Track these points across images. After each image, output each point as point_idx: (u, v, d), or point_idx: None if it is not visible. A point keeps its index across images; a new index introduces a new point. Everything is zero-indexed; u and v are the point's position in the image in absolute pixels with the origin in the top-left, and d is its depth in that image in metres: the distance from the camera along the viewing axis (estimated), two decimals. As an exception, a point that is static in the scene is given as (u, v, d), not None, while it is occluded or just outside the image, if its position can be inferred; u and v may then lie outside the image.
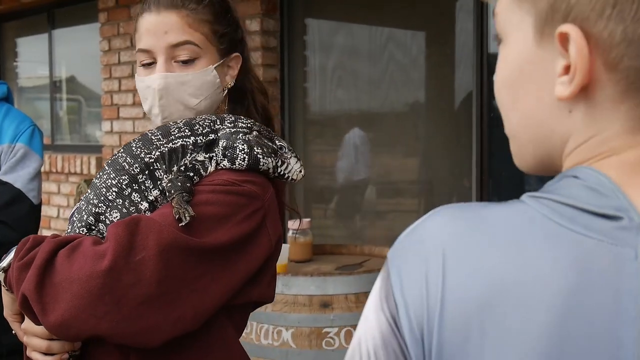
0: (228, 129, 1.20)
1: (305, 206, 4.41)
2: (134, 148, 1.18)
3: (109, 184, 1.16)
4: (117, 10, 5.02)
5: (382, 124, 4.36)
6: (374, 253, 3.15)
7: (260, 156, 1.19)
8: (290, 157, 1.24)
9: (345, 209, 4.55)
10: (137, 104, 4.92)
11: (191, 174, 1.17)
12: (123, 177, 1.16)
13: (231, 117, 1.23)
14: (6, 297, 1.18)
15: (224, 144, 1.19)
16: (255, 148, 1.19)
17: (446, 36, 4.06)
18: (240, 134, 1.20)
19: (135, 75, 1.32)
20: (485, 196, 3.68)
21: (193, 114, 1.27)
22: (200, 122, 1.21)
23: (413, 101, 4.30)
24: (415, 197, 4.33)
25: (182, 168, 1.17)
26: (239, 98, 1.37)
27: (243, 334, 1.32)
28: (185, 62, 1.26)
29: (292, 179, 1.25)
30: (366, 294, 2.60)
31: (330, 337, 2.56)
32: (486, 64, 3.64)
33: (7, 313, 1.19)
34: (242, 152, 1.19)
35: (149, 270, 1.03)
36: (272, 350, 2.62)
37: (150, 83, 1.27)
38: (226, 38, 1.31)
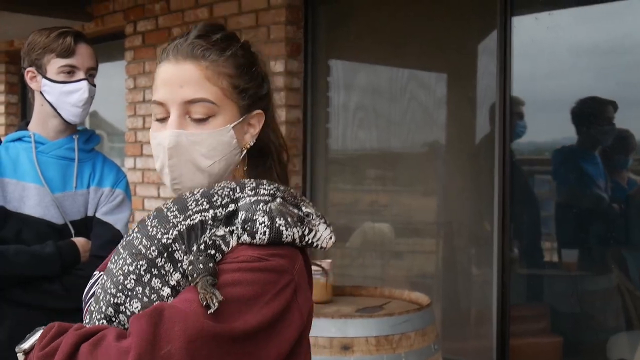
0: (248, 198, 1.10)
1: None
2: (149, 227, 1.09)
3: (125, 270, 1.07)
4: (144, 49, 5.10)
5: (403, 164, 4.37)
6: (394, 295, 3.13)
7: (283, 228, 1.09)
8: (319, 224, 1.13)
9: (365, 249, 4.54)
10: (160, 141, 4.96)
11: (213, 252, 1.07)
12: (141, 262, 1.07)
13: (252, 184, 1.13)
14: None
15: (243, 216, 1.09)
16: (277, 219, 1.09)
17: (469, 78, 4.08)
18: (261, 204, 1.10)
19: (150, 130, 1.22)
20: (506, 240, 3.66)
21: (206, 176, 1.18)
22: (219, 192, 1.11)
23: (435, 142, 4.30)
24: (435, 239, 4.31)
25: (202, 247, 1.07)
26: (260, 157, 1.27)
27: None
28: (199, 121, 1.16)
29: (321, 247, 1.14)
30: (387, 337, 2.58)
31: (350, 381, 2.53)
32: (509, 106, 3.64)
33: None
34: (262, 225, 1.08)
35: None
36: (291, 392, 2.59)
37: (161, 140, 1.17)
38: (248, 93, 1.21)
